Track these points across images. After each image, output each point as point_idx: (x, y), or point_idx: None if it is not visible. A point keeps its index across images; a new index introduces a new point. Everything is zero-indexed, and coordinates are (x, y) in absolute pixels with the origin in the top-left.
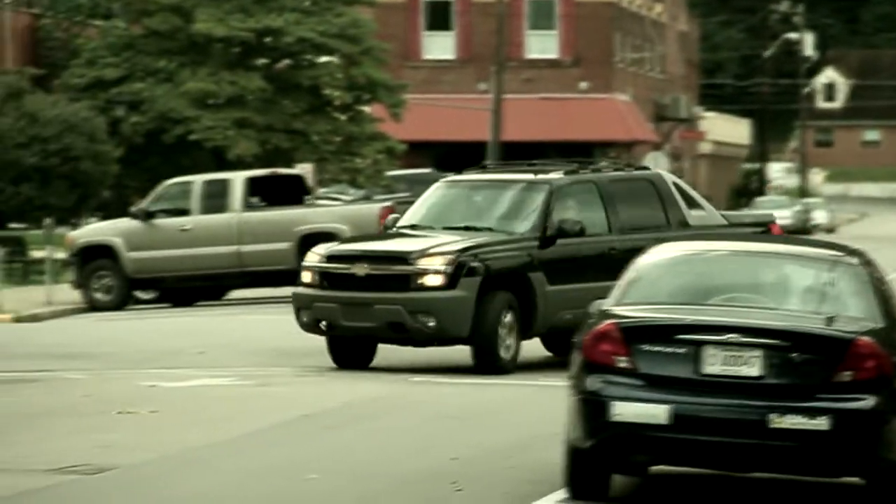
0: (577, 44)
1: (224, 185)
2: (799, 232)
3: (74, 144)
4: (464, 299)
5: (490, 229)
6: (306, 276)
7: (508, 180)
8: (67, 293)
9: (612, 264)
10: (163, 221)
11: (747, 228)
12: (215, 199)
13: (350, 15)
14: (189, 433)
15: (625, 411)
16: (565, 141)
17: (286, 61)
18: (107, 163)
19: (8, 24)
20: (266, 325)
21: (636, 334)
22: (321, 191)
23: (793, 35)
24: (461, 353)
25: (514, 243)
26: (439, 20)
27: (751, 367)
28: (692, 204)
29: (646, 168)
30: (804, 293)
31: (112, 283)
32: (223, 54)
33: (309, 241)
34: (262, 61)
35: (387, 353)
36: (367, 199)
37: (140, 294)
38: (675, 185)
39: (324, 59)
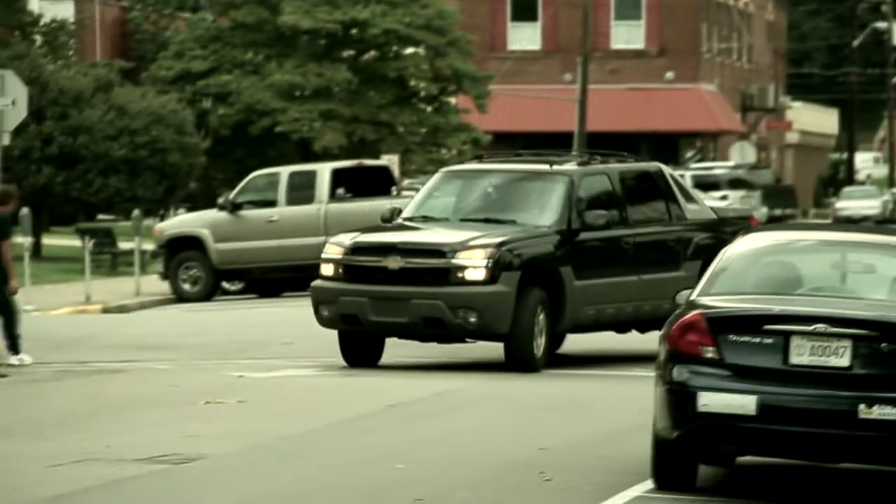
0: (663, 34)
1: (310, 176)
2: (887, 222)
3: (162, 136)
4: (505, 294)
5: (513, 222)
6: (328, 269)
7: (523, 171)
8: (155, 284)
9: (628, 259)
10: (249, 213)
11: (729, 225)
12: (301, 190)
13: (436, 6)
14: (277, 423)
15: (712, 402)
16: (651, 131)
17: (372, 53)
18: (194, 154)
19: (97, 17)
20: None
21: (723, 324)
22: (406, 182)
23: (881, 24)
24: (480, 349)
25: (543, 237)
26: (525, 11)
27: (839, 357)
28: (688, 198)
29: (646, 160)
30: (893, 283)
31: (199, 274)
32: (310, 46)
33: None
34: (348, 53)
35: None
36: None
37: (227, 285)
38: (672, 177)
39: (410, 50)
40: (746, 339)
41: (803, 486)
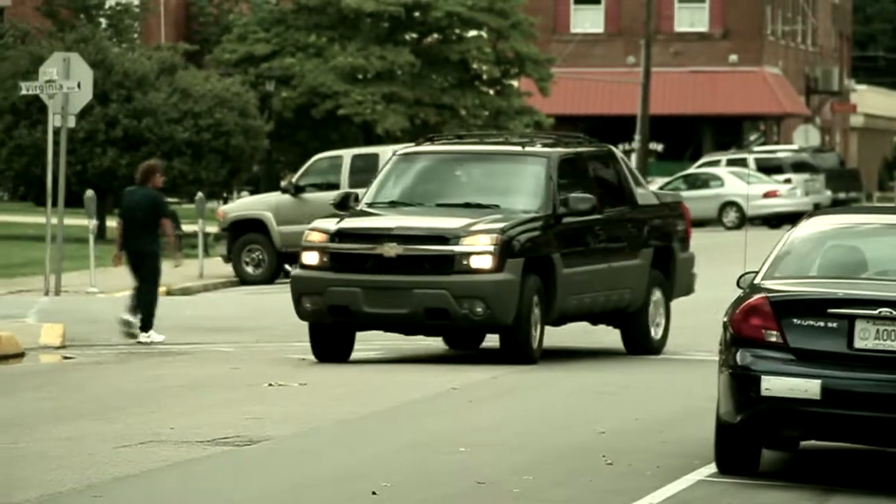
0: (726, 16)
1: (373, 159)
2: None
3: (226, 119)
4: (512, 283)
5: (496, 206)
6: (311, 258)
7: (494, 153)
8: (218, 266)
9: (601, 246)
10: (312, 195)
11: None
12: (364, 173)
13: None
14: (339, 406)
15: (775, 386)
16: (714, 115)
17: (435, 36)
18: (257, 137)
19: (161, 0)
20: None
21: (786, 308)
22: None
23: None
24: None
25: (534, 222)
26: None
27: None
28: (637, 181)
29: (600, 143)
30: None
31: (262, 256)
32: (372, 29)
33: None
34: (410, 36)
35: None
36: None
37: (289, 268)
38: (624, 160)
39: (472, 33)
40: (810, 322)
41: (867, 472)
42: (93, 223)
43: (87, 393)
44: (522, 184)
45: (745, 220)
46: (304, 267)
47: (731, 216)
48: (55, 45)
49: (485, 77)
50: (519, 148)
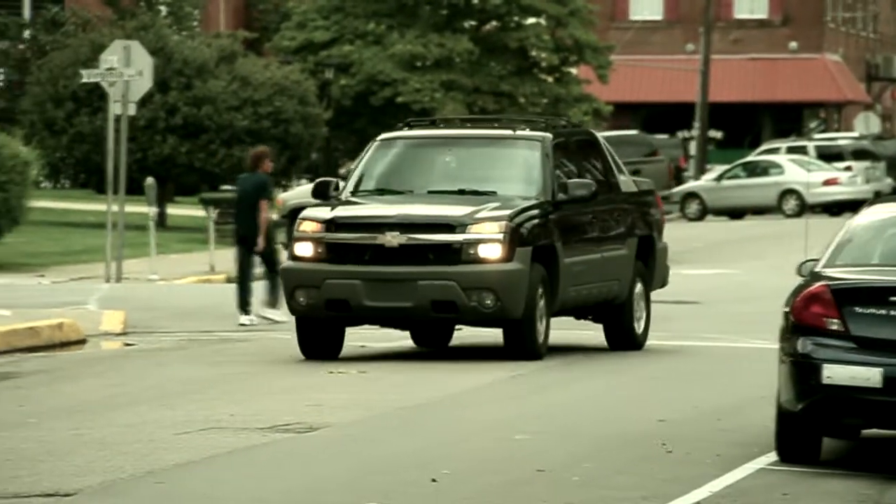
0: (786, 3)
1: None
2: None
3: (285, 107)
4: (522, 273)
5: (493, 193)
6: (304, 249)
7: (484, 137)
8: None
9: (595, 235)
10: None
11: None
12: None
13: None
14: (398, 393)
15: (836, 374)
16: (774, 102)
17: (494, 23)
18: (316, 125)
19: None
20: None
21: (848, 296)
22: None
23: None
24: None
25: (537, 208)
26: None
27: None
28: (619, 168)
29: (581, 126)
30: None
31: None
32: (431, 16)
33: None
34: (469, 23)
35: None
36: None
37: None
38: (606, 145)
39: (531, 20)
40: (872, 310)
41: None
42: (153, 211)
43: (148, 380)
44: (518, 169)
45: (805, 208)
46: (296, 259)
47: (790, 204)
48: (116, 33)
49: (543, 64)
50: (510, 132)
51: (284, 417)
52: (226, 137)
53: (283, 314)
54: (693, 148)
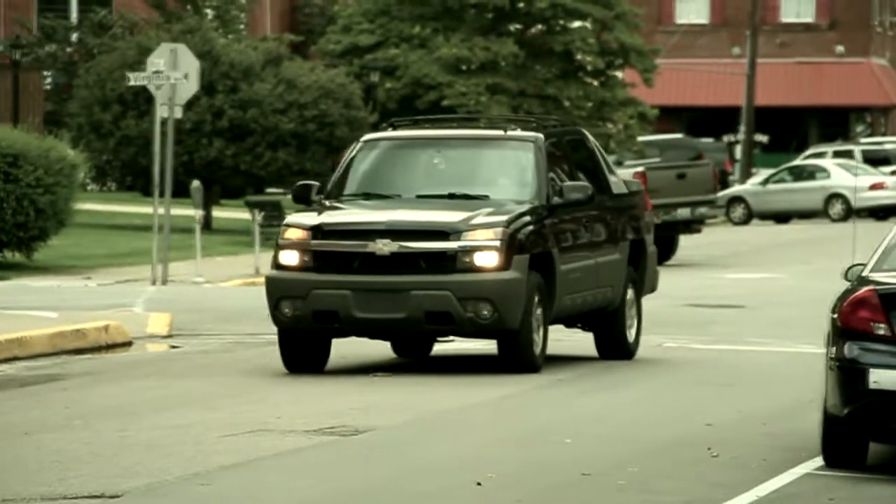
0: (833, 7)
1: None
2: None
3: (330, 110)
4: (519, 282)
5: (486, 197)
6: (289, 257)
7: (475, 137)
8: None
9: (589, 239)
10: None
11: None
12: None
13: None
14: (444, 396)
15: (883, 379)
16: (820, 106)
17: (539, 26)
18: (361, 128)
19: None
20: None
21: (895, 301)
22: None
23: None
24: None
25: (532, 213)
26: None
27: None
28: (609, 168)
29: (573, 125)
30: None
31: None
32: (476, 20)
33: None
34: (514, 26)
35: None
36: (618, 164)
37: None
38: (597, 145)
39: (576, 23)
40: None
41: None
42: (199, 213)
43: (193, 382)
44: (510, 171)
45: (851, 212)
46: (280, 268)
47: (836, 208)
48: (162, 36)
49: (589, 68)
50: (501, 132)
51: (329, 420)
52: (271, 140)
53: None
54: (739, 152)
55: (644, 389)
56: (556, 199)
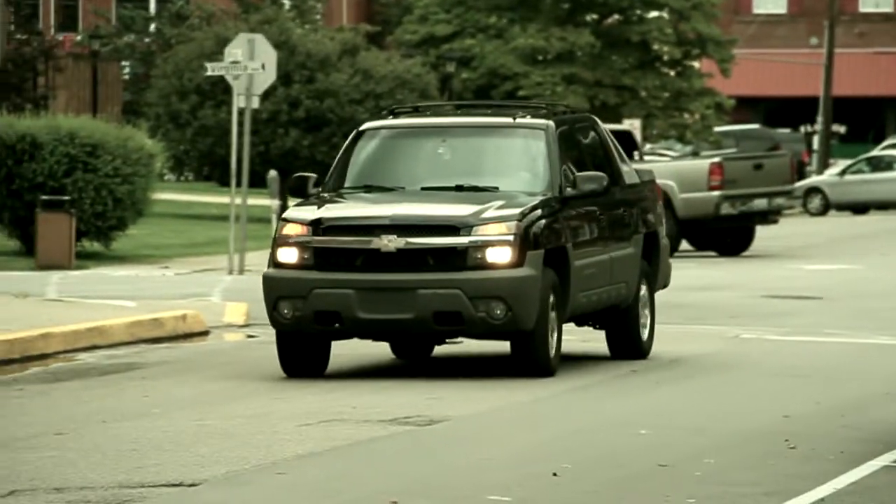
0: None
1: None
2: None
3: (407, 100)
4: (534, 280)
5: (495, 188)
6: (289, 255)
7: (482, 125)
8: None
9: (602, 233)
10: None
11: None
12: None
13: None
14: (519, 387)
15: None
16: None
17: (616, 16)
18: None
19: None
20: None
21: None
22: (648, 146)
23: None
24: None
25: (546, 206)
26: None
27: None
28: (621, 157)
29: (582, 111)
30: None
31: None
32: (553, 10)
33: None
34: (591, 17)
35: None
36: (694, 154)
37: None
38: (608, 133)
39: (653, 13)
40: None
41: None
42: (275, 203)
43: (271, 371)
44: (521, 161)
45: None
46: (279, 266)
47: None
48: (240, 26)
49: (666, 58)
50: (509, 119)
51: (405, 410)
52: (347, 131)
53: None
54: (816, 142)
55: (719, 381)
56: (569, 191)
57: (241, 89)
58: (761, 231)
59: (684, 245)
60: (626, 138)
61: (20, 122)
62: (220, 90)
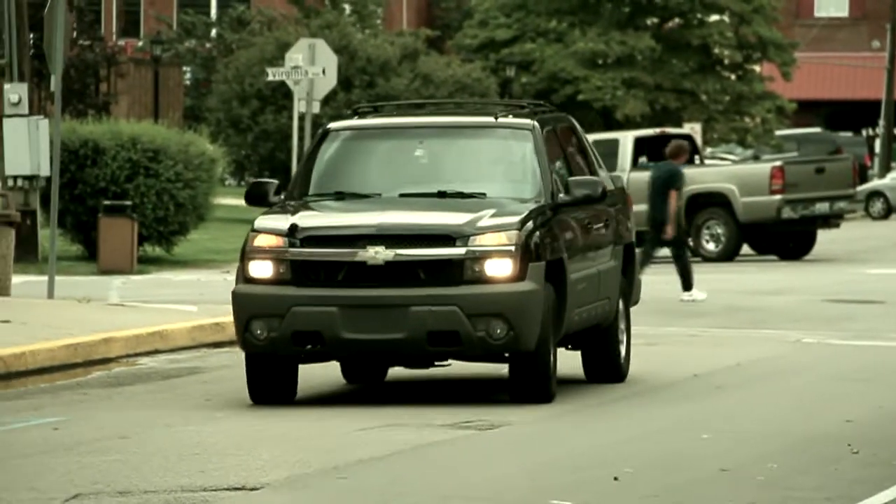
0: None
1: (613, 144)
2: None
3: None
4: (537, 295)
5: (483, 195)
6: (262, 269)
7: (461, 125)
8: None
9: (590, 244)
10: None
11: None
12: (604, 158)
13: None
14: (581, 391)
15: None
16: None
17: (676, 20)
18: None
19: None
20: (654, 285)
21: None
22: (709, 150)
23: None
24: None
25: (541, 214)
26: None
27: None
28: (599, 162)
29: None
30: None
31: None
32: (613, 14)
33: (698, 201)
34: (651, 20)
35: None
36: (756, 158)
37: None
38: (584, 133)
39: (714, 17)
40: None
41: None
42: None
43: (330, 376)
44: (507, 164)
45: None
46: (250, 281)
47: None
48: (300, 31)
49: (726, 62)
50: (491, 118)
51: (466, 415)
52: None
53: (701, 293)
54: (878, 146)
55: (781, 386)
56: (562, 197)
57: (302, 94)
58: (823, 235)
59: (745, 249)
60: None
61: (83, 128)
62: (281, 95)
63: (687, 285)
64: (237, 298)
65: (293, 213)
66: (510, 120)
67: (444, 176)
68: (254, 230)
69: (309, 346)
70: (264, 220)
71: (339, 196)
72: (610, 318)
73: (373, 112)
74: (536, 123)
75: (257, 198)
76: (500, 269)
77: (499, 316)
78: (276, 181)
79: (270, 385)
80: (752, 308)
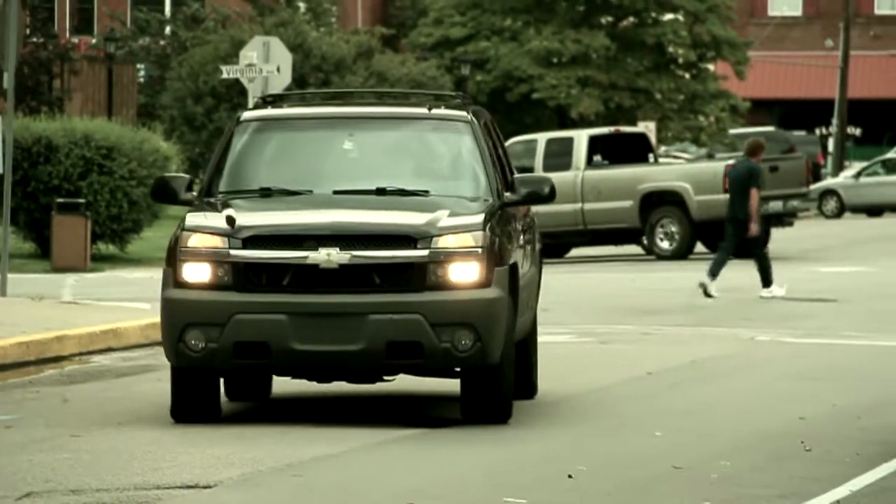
0: None
1: (567, 143)
2: None
3: None
4: (503, 303)
5: (426, 192)
6: (200, 272)
7: (393, 116)
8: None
9: (524, 246)
10: None
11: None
12: (558, 157)
13: None
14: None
15: None
16: None
17: (630, 19)
18: None
19: None
20: (608, 283)
21: None
22: (663, 149)
23: None
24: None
25: (494, 214)
26: None
27: None
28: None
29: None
30: None
31: None
32: (568, 12)
33: (651, 199)
34: (606, 19)
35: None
36: (709, 157)
37: None
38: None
39: (668, 16)
40: None
41: None
42: None
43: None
44: (446, 159)
45: None
46: (184, 286)
47: None
48: (255, 29)
49: (680, 61)
50: (424, 110)
51: (424, 412)
52: None
53: (781, 289)
54: (831, 145)
55: (735, 383)
56: (508, 196)
57: (256, 92)
58: (776, 233)
59: (699, 247)
60: (641, 141)
61: (36, 125)
62: (236, 93)
63: (766, 282)
64: (169, 305)
65: (237, 210)
66: (445, 111)
67: (379, 171)
68: (186, 229)
69: (252, 360)
70: (196, 218)
71: (266, 193)
72: (530, 330)
73: (278, 101)
74: (472, 116)
75: (166, 195)
76: (465, 273)
77: (466, 326)
78: (187, 176)
79: (195, 402)
80: (705, 306)
